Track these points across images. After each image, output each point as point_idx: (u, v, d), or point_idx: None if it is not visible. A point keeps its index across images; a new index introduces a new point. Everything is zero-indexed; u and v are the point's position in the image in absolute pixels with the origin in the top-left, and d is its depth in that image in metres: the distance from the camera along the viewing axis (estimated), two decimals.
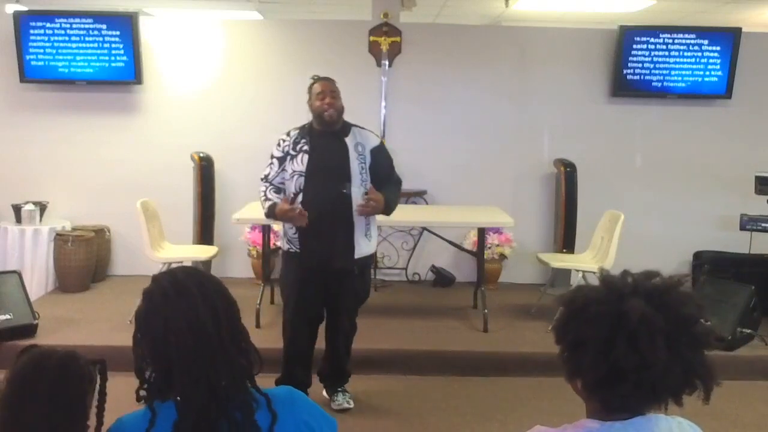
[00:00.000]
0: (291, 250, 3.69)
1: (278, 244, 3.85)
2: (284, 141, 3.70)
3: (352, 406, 3.90)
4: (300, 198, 3.60)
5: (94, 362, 1.60)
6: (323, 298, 3.75)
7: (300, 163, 3.62)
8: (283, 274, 3.85)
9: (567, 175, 5.92)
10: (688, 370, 1.31)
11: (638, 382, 1.29)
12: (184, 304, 1.47)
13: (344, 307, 3.79)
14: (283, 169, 3.66)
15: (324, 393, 3.97)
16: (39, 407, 1.47)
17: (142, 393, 1.52)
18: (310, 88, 3.70)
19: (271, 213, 3.63)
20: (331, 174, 3.61)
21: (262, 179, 3.73)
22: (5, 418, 1.48)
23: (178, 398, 1.48)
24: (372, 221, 3.75)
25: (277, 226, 5.71)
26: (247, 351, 1.55)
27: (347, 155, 3.63)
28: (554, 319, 1.44)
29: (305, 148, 3.63)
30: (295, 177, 3.62)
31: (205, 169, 5.84)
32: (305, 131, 3.70)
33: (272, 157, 3.72)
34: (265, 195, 3.68)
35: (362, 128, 3.80)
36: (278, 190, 3.69)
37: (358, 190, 3.62)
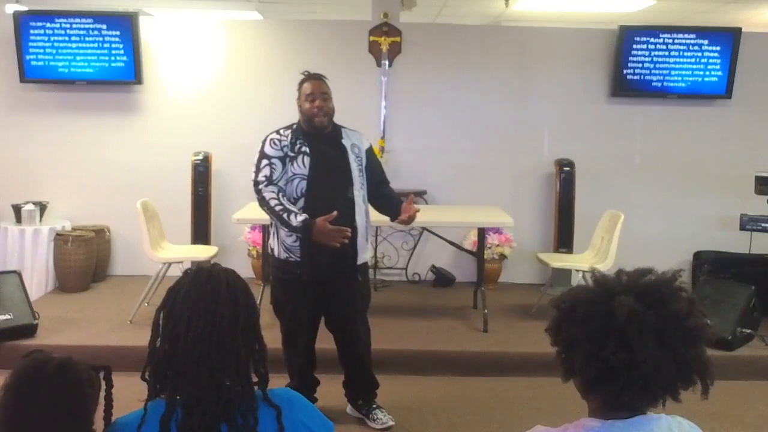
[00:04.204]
0: (290, 259, 3.45)
1: (271, 246, 3.56)
2: (280, 141, 3.46)
3: (394, 422, 3.71)
4: (302, 203, 3.41)
5: (96, 368, 1.60)
6: (321, 309, 3.62)
7: (301, 165, 3.41)
8: (278, 288, 3.63)
9: (564, 175, 5.96)
10: (683, 366, 1.31)
11: (630, 379, 1.29)
12: (209, 289, 1.54)
13: (355, 311, 3.64)
14: (285, 171, 3.43)
15: (353, 411, 3.81)
16: (41, 414, 1.47)
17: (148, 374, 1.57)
18: (300, 85, 3.53)
19: (305, 230, 3.29)
20: (335, 178, 3.46)
21: (261, 182, 3.42)
22: (8, 426, 1.48)
23: (177, 387, 1.51)
24: (369, 226, 3.67)
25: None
26: (260, 356, 1.58)
27: (347, 158, 3.51)
28: (549, 320, 1.45)
29: (304, 149, 3.43)
30: (297, 180, 3.41)
31: (199, 169, 5.86)
32: (298, 132, 3.49)
33: (267, 156, 3.44)
34: (282, 204, 3.35)
35: (349, 128, 3.66)
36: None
37: (359, 193, 3.52)
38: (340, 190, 3.46)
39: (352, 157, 3.53)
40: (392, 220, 3.76)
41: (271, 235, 3.59)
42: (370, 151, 3.68)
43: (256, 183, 3.45)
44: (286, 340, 3.67)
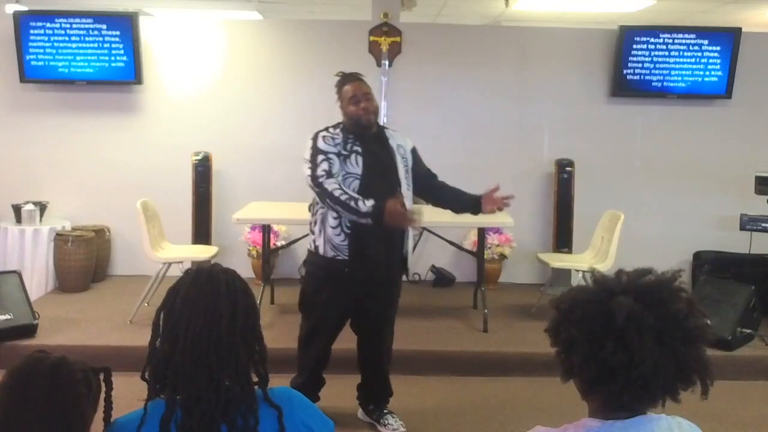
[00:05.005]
0: (338, 257, 3.39)
1: (315, 243, 3.48)
2: (333, 138, 3.38)
3: (405, 429, 3.69)
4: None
5: (95, 369, 1.59)
6: (353, 310, 3.58)
7: (354, 164, 3.35)
8: (312, 285, 3.56)
9: (564, 175, 5.97)
10: (682, 366, 1.31)
11: (629, 379, 1.29)
12: (208, 290, 1.54)
13: (387, 317, 3.66)
14: (341, 168, 3.35)
15: (364, 416, 3.81)
16: (33, 413, 1.47)
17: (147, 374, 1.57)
18: (340, 88, 3.45)
19: (377, 214, 3.21)
20: (385, 178, 3.43)
21: (321, 176, 3.30)
22: (1, 424, 1.48)
23: (177, 387, 1.51)
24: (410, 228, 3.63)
25: (277, 227, 5.73)
26: (260, 356, 1.58)
27: (395, 158, 3.48)
28: (549, 321, 1.45)
29: (356, 149, 3.37)
30: (350, 179, 3.34)
31: (199, 169, 5.86)
32: (346, 131, 3.42)
33: (323, 152, 3.34)
34: (347, 193, 3.26)
35: (392, 129, 3.65)
36: None
37: (406, 194, 3.48)
38: (390, 190, 3.38)
39: (398, 158, 3.51)
40: (474, 213, 3.73)
41: (316, 233, 3.47)
42: (414, 152, 3.66)
43: (315, 177, 3.32)
44: (306, 338, 3.62)
